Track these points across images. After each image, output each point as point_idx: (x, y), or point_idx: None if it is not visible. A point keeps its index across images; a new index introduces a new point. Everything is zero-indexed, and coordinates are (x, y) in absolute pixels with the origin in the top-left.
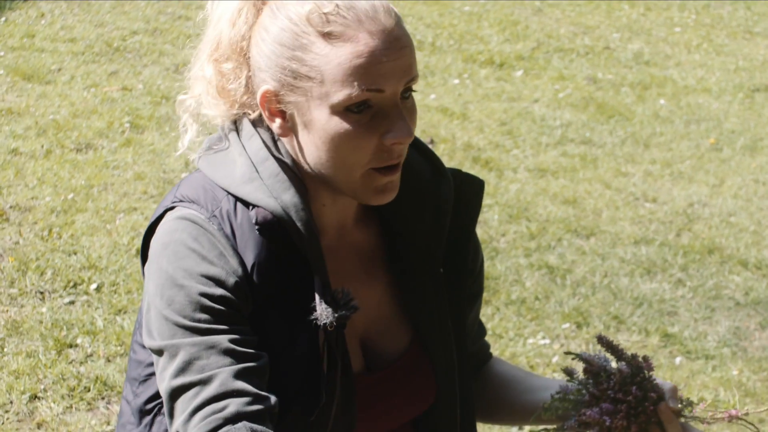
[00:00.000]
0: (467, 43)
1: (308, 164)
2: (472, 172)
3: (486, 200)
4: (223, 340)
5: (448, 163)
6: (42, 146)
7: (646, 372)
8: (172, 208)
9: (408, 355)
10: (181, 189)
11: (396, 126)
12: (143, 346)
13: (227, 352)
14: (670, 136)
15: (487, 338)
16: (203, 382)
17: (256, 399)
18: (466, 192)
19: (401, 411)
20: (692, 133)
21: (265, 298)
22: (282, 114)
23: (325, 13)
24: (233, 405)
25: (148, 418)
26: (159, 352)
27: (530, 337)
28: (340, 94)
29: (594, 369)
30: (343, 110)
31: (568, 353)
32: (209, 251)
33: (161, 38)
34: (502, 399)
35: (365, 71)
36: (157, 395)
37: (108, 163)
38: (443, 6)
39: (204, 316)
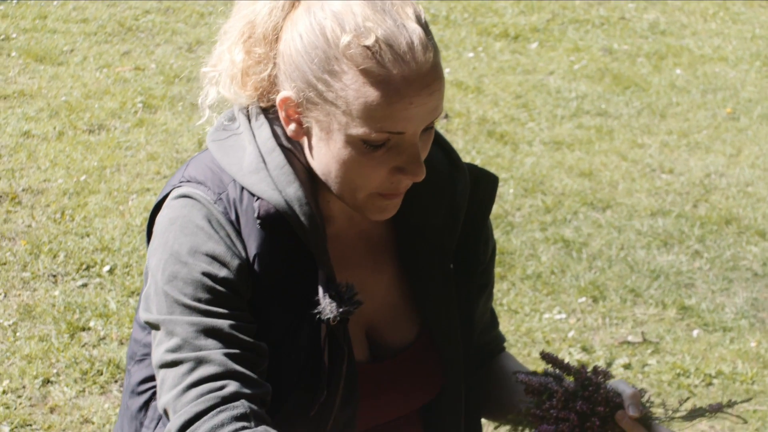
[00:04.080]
0: (481, 16)
1: (316, 169)
2: (487, 145)
3: (501, 174)
4: (223, 324)
5: (464, 137)
6: (54, 128)
7: (601, 380)
8: (179, 187)
9: (415, 346)
10: (189, 169)
11: (409, 167)
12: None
13: (225, 337)
14: (686, 106)
15: (502, 314)
16: (200, 361)
17: (254, 383)
18: (481, 187)
19: (406, 401)
20: (709, 102)
21: (267, 289)
22: (299, 121)
23: (365, 47)
24: (232, 386)
25: (141, 400)
26: (156, 327)
27: (546, 312)
28: (360, 130)
29: (534, 388)
30: (360, 142)
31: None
32: (216, 230)
33: (174, 17)
34: (495, 395)
35: (390, 115)
36: (151, 377)
37: (121, 143)
38: None
39: (205, 296)
